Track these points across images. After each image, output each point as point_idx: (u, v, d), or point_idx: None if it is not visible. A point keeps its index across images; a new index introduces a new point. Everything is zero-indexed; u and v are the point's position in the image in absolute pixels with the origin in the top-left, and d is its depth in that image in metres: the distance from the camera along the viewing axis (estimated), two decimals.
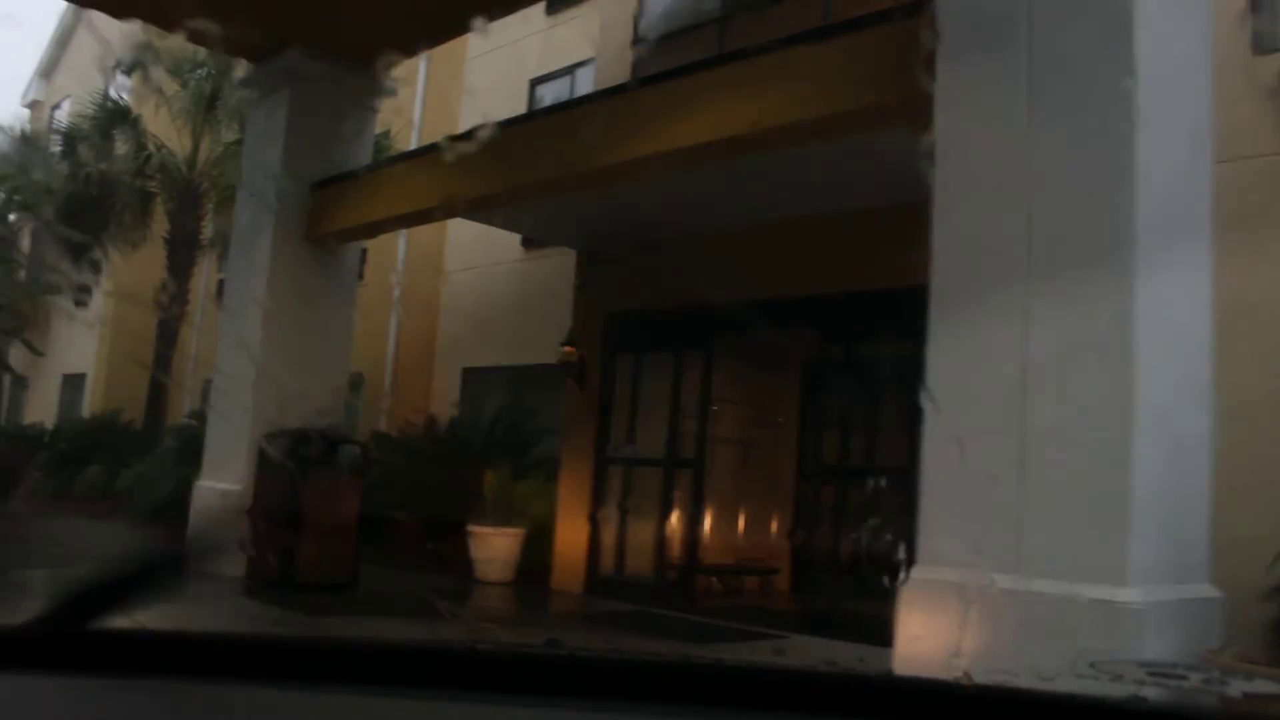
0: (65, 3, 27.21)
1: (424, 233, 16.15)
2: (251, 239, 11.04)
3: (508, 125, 9.02)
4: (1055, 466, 4.83)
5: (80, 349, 23.71)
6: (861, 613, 8.66)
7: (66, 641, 1.18)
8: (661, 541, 10.38)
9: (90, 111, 18.83)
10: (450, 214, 10.40)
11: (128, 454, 17.74)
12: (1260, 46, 7.49)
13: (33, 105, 28.32)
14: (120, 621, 1.21)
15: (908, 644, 5.09)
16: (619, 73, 10.79)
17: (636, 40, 11.27)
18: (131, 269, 20.97)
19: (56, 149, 19.59)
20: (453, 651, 1.29)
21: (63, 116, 20.20)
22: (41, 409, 24.51)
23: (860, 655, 6.79)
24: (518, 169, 8.50)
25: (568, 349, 11.16)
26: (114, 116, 18.37)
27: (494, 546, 11.38)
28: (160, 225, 18.98)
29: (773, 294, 9.54)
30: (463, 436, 13.24)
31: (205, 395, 16.38)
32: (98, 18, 24.81)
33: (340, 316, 11.19)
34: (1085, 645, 3.97)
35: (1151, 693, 3.08)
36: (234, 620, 8.35)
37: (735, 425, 11.25)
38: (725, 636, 8.50)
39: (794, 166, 8.10)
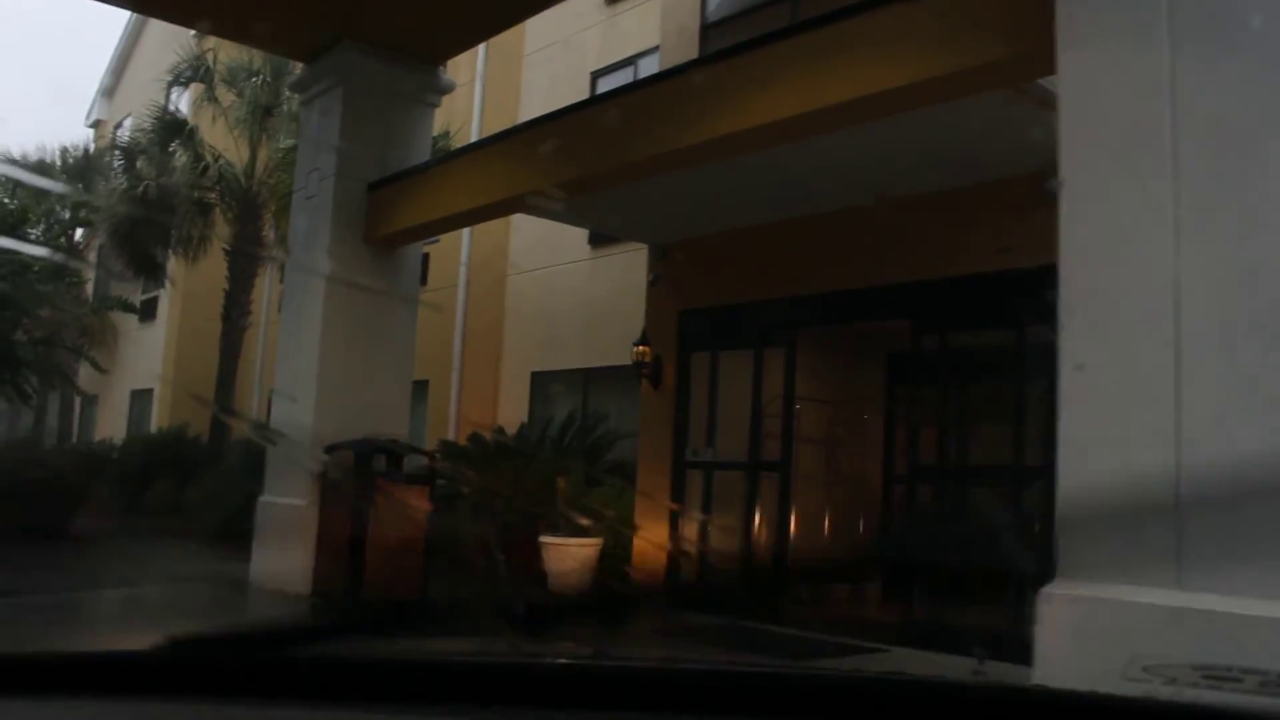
0: (126, 20, 27.31)
1: (487, 234, 15.74)
2: (308, 243, 10.61)
3: (577, 110, 8.48)
4: None
5: (147, 365, 23.62)
6: (967, 624, 8.03)
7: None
8: (746, 549, 9.78)
9: (148, 126, 18.63)
10: (515, 209, 9.89)
11: (195, 469, 17.55)
12: None
13: (96, 125, 28.43)
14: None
15: (1051, 665, 4.45)
16: (685, 59, 10.22)
17: (705, 23, 10.70)
18: (195, 282, 20.81)
19: (118, 164, 19.41)
20: (498, 667, 1.29)
21: (125, 134, 20.06)
22: (111, 426, 24.49)
23: (975, 670, 6.20)
24: (588, 156, 7.96)
25: (641, 348, 10.61)
26: (171, 129, 18.13)
27: (569, 558, 10.85)
28: (222, 237, 18.73)
29: (859, 283, 8.94)
30: (533, 443, 12.72)
31: (269, 408, 16.05)
32: (156, 34, 24.94)
33: (402, 321, 10.72)
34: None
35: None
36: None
37: (821, 424, 10.61)
38: (822, 651, 7.89)
39: (884, 144, 7.49)
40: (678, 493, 10.35)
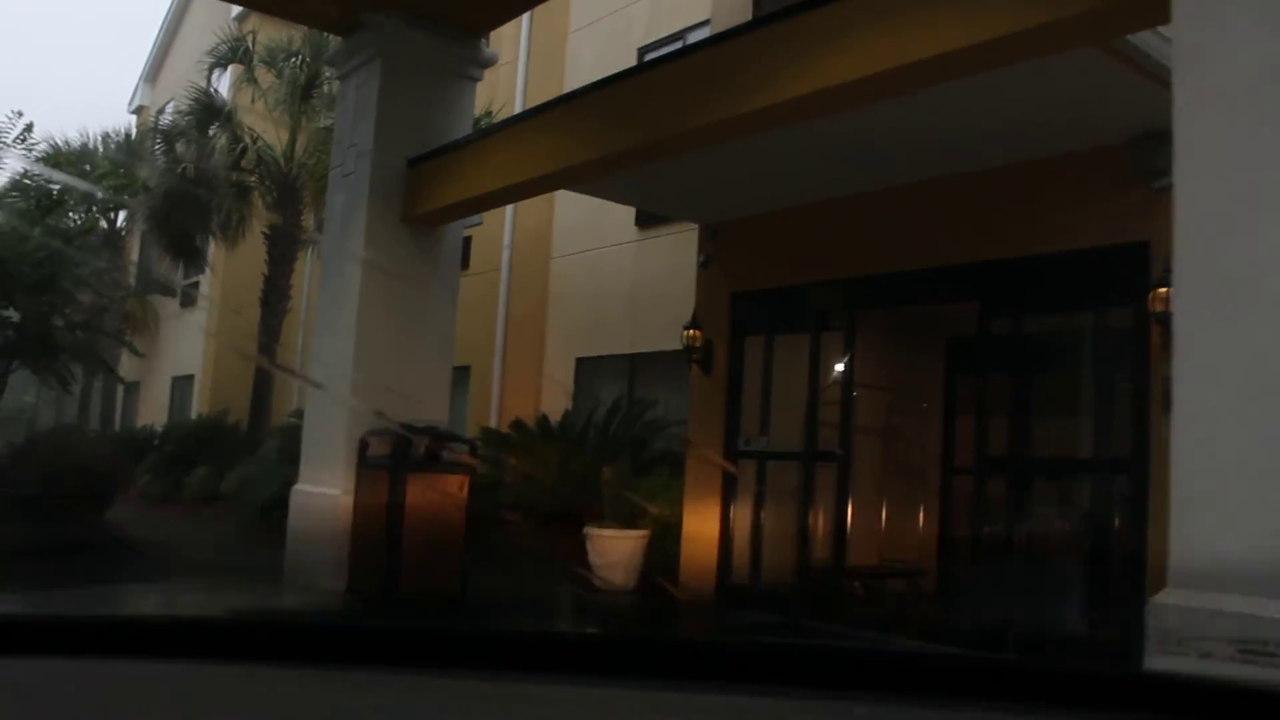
0: (169, 5, 27.13)
1: (531, 217, 15.33)
2: (345, 222, 10.19)
3: (627, 77, 7.97)
4: None
5: (188, 350, 23.48)
6: (1038, 627, 7.52)
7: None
8: (801, 543, 9.28)
9: (186, 109, 18.36)
10: (560, 185, 9.41)
11: (234, 455, 17.31)
12: None
13: (139, 111, 28.30)
14: None
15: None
16: None
17: None
18: (235, 267, 20.59)
19: (157, 148, 19.17)
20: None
21: (167, 119, 19.82)
22: (153, 411, 24.39)
23: None
24: (639, 127, 7.45)
25: (691, 332, 10.13)
26: (209, 112, 17.83)
27: (614, 550, 10.41)
28: (262, 221, 18.46)
29: (923, 262, 8.40)
30: (577, 431, 12.30)
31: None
32: (198, 18, 24.72)
33: (442, 303, 10.28)
34: None
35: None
36: None
37: (880, 413, 10.09)
38: None
39: (958, 111, 6.96)
40: (729, 483, 9.87)
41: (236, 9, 19.11)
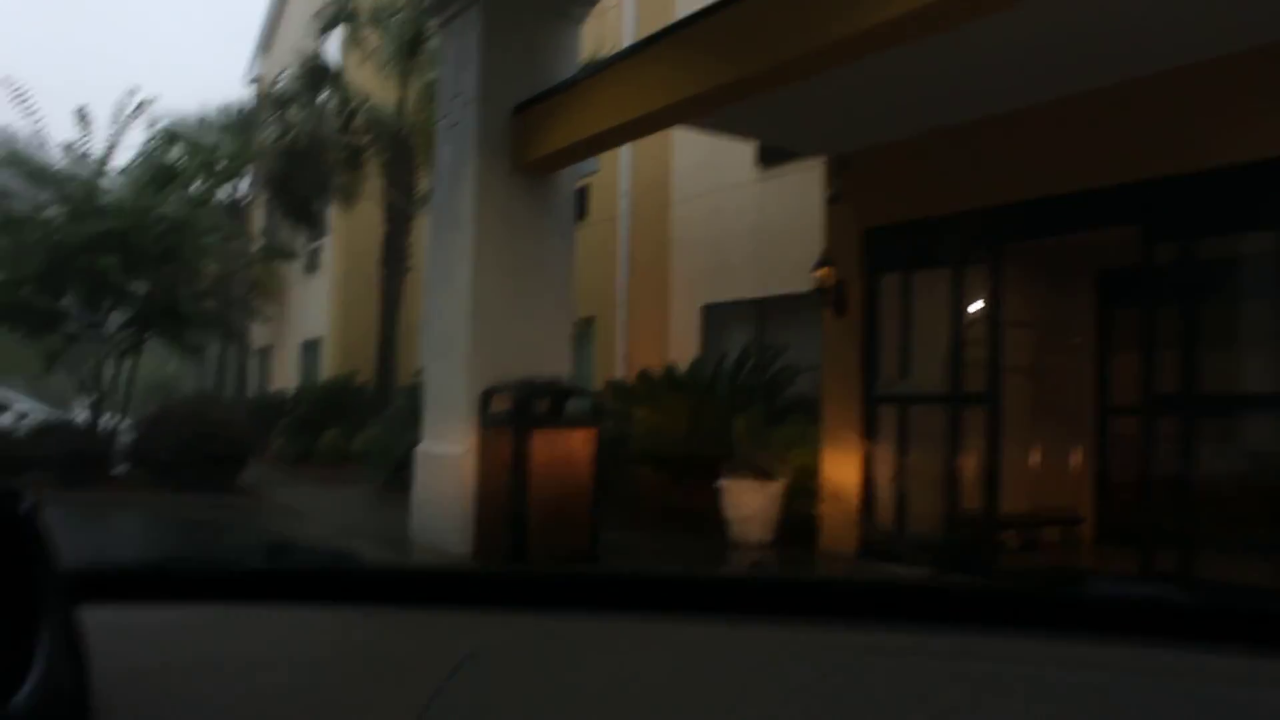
0: None
1: (648, 161, 14.87)
2: (455, 175, 9.83)
3: None
4: None
5: (315, 315, 23.67)
6: (1217, 578, 6.85)
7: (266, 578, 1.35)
8: (948, 491, 8.69)
9: (295, 74, 18.27)
10: (675, 120, 8.83)
11: (362, 416, 17.34)
12: None
13: (256, 81, 28.50)
14: None
15: None
16: None
17: None
18: (354, 230, 20.62)
19: (271, 116, 19.15)
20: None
21: (282, 86, 19.81)
22: (285, 376, 24.72)
23: None
24: (761, 49, 6.86)
25: (822, 272, 9.55)
26: (317, 75, 17.69)
27: (749, 503, 9.97)
28: (375, 181, 18.34)
29: (1075, 186, 7.69)
30: (706, 380, 11.84)
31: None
32: None
33: (559, 253, 9.87)
34: None
35: None
36: None
37: (1029, 351, 9.39)
38: None
39: (1121, 7, 6.25)
40: (869, 430, 9.31)
41: None
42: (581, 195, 14.52)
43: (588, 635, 1.16)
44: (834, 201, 9.60)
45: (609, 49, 14.50)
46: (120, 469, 14.89)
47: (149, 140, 15.64)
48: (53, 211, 14.92)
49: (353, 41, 17.71)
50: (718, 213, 13.87)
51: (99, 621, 0.96)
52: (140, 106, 15.55)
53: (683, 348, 13.75)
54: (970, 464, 8.64)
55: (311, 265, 24.16)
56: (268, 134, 18.46)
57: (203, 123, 21.71)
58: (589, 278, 13.68)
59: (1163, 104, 7.18)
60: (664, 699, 1.00)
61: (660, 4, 14.94)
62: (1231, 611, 1.18)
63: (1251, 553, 6.73)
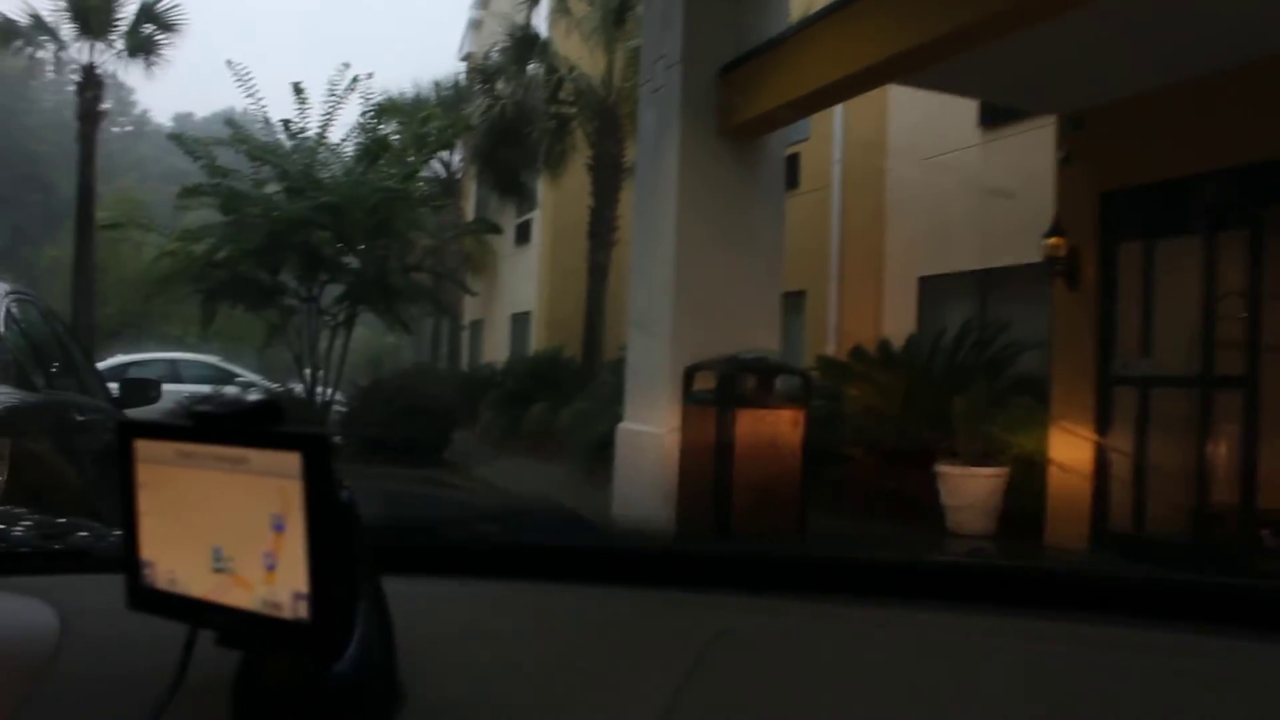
0: None
1: (861, 126, 14.20)
2: (657, 142, 9.44)
3: None
4: None
5: (524, 288, 23.81)
6: None
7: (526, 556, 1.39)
8: (1197, 484, 7.84)
9: (503, 45, 18.26)
10: (893, 73, 8.15)
11: (569, 391, 17.24)
12: None
13: (467, 58, 28.87)
14: None
15: None
16: None
17: None
18: (562, 201, 20.55)
19: (480, 88, 19.24)
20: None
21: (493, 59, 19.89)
22: (495, 349, 24.99)
23: None
24: None
25: (1053, 241, 8.77)
26: (524, 46, 17.60)
27: (969, 490, 9.31)
28: (582, 151, 18.18)
29: None
30: (924, 357, 11.17)
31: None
32: None
33: (768, 222, 9.37)
34: None
35: None
36: None
37: None
38: None
39: None
40: (1104, 414, 8.51)
41: None
42: (792, 164, 13.90)
43: (830, 620, 1.16)
44: (1066, 163, 8.78)
45: (820, 2, 13.92)
46: (337, 439, 15.19)
47: (363, 114, 15.85)
48: (272, 188, 15.33)
49: (560, 10, 17.56)
50: (936, 179, 13.09)
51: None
52: (354, 81, 15.81)
53: (898, 322, 13.06)
54: (1222, 454, 7.77)
55: (521, 238, 24.30)
56: (476, 106, 18.52)
57: (417, 99, 22.09)
58: (799, 250, 13.11)
59: None
60: (906, 685, 1.01)
61: None
62: None
63: None
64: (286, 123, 15.61)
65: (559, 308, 21.12)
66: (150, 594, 0.93)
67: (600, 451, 12.21)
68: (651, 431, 9.06)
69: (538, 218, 23.12)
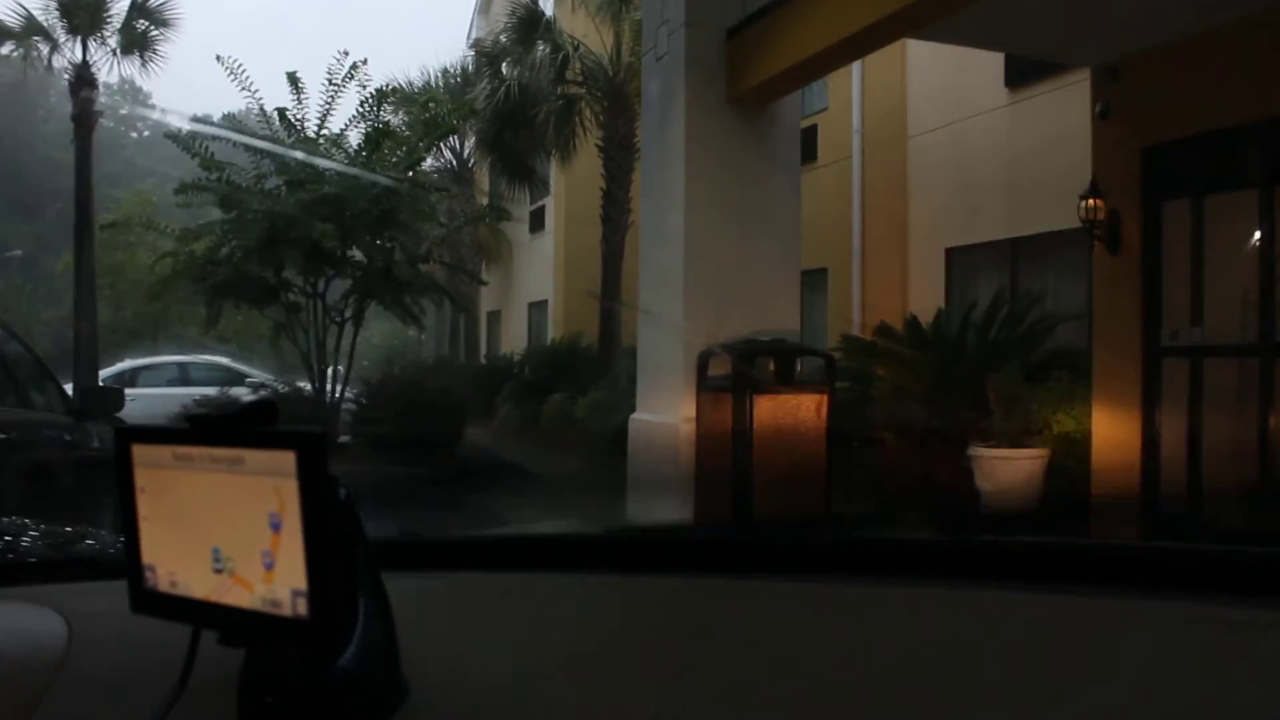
0: None
1: (881, 93, 13.59)
2: (663, 112, 8.89)
3: None
4: None
5: (540, 276, 23.31)
6: None
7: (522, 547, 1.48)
8: (1258, 462, 7.20)
9: (506, 25, 17.67)
10: (910, 24, 7.43)
11: (587, 380, 16.67)
12: None
13: (475, 44, 28.31)
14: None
15: None
16: None
17: None
18: (574, 186, 20.02)
19: (486, 71, 18.65)
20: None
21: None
22: (514, 339, 24.53)
23: None
24: None
25: (1091, 202, 8.12)
26: (529, 26, 16.99)
27: (1007, 474, 8.68)
28: (594, 133, 17.58)
29: None
30: (954, 333, 10.54)
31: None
32: None
33: (783, 195, 8.80)
34: None
35: None
36: None
37: None
38: None
39: None
40: (1151, 388, 7.87)
41: None
42: (809, 136, 13.35)
43: (834, 601, 1.16)
44: (1103, 118, 8.14)
45: None
46: (344, 439, 14.72)
47: (362, 103, 15.31)
48: (273, 182, 14.83)
49: None
50: (961, 145, 12.46)
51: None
52: (352, 69, 15.26)
53: (924, 298, 12.41)
54: None
55: (536, 225, 23.78)
56: (481, 89, 17.95)
57: (427, 87, 21.55)
58: (820, 225, 12.54)
59: None
60: (904, 662, 1.01)
61: None
62: None
63: None
64: (281, 112, 15.06)
65: (576, 295, 20.55)
66: (153, 597, 0.95)
67: (618, 443, 11.69)
68: (665, 422, 8.55)
69: (551, 204, 22.58)
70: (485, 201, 23.48)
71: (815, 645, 1.05)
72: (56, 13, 16.41)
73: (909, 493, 9.41)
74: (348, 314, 15.38)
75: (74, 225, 16.40)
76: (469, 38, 28.94)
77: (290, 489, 0.83)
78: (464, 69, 22.69)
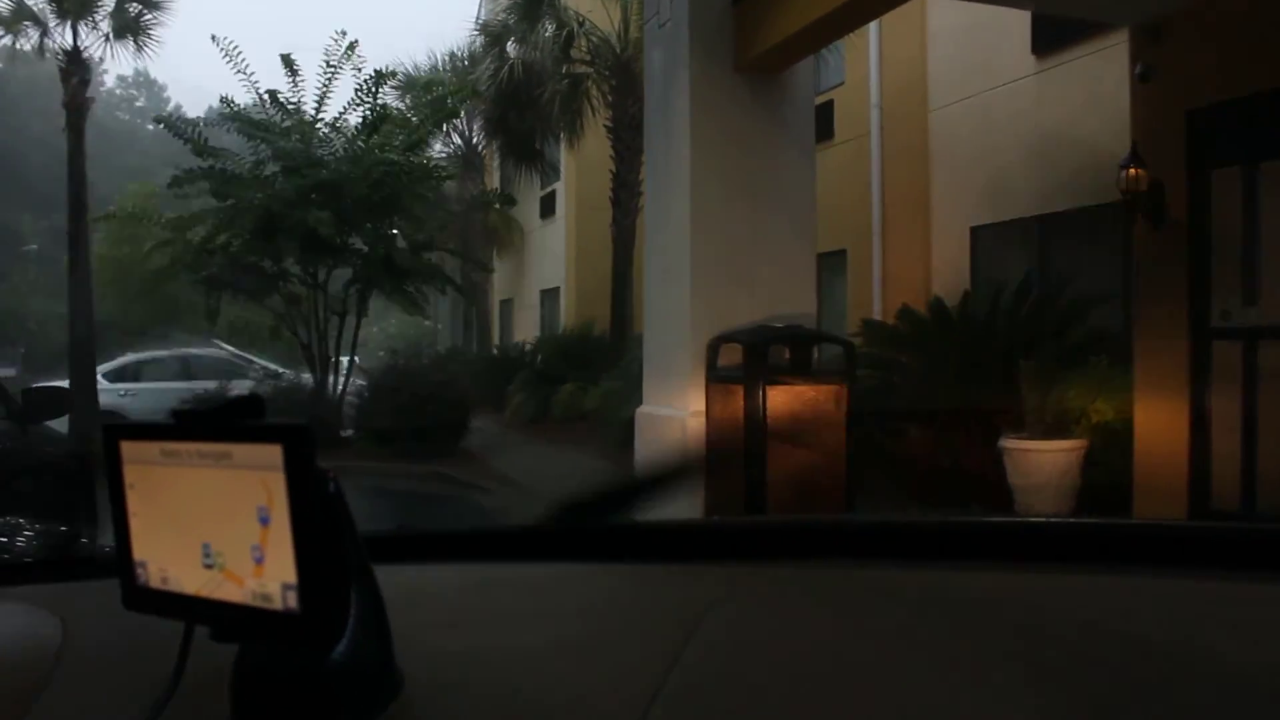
0: None
1: (900, 64, 13.00)
2: (666, 84, 8.28)
3: None
4: None
5: (551, 263, 22.81)
6: None
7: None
8: None
9: (509, 2, 17.09)
10: None
11: (599, 369, 16.12)
12: None
13: (483, 27, 27.77)
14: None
15: None
16: None
17: None
18: (584, 169, 19.54)
19: (491, 53, 18.08)
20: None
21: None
22: (526, 327, 24.08)
23: None
24: None
25: (1131, 172, 7.46)
26: (533, 2, 16.37)
27: (1041, 467, 8.10)
28: (602, 114, 16.98)
29: None
30: (981, 317, 9.93)
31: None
32: None
33: (797, 170, 8.19)
34: None
35: None
36: None
37: None
38: None
39: None
40: (1199, 373, 7.22)
41: None
42: (825, 112, 12.75)
43: (817, 583, 1.17)
44: (1144, 80, 7.47)
45: None
46: (348, 433, 14.25)
47: (360, 86, 14.76)
48: (270, 168, 14.34)
49: None
50: (986, 117, 11.83)
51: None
52: (350, 49, 14.72)
53: (949, 279, 11.80)
54: None
55: (547, 211, 23.24)
56: (484, 69, 17.37)
57: (433, 71, 21.05)
58: (837, 205, 11.96)
59: None
60: (896, 643, 1.01)
61: None
62: None
63: None
64: (273, 95, 14.53)
65: (588, 281, 20.04)
66: (144, 593, 0.95)
67: (628, 434, 11.19)
68: (672, 415, 8.00)
69: (561, 189, 22.04)
70: (496, 187, 22.99)
71: (808, 626, 1.06)
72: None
73: (935, 489, 8.83)
74: (349, 304, 14.89)
75: (68, 217, 15.88)
76: (477, 19, 28.42)
77: (278, 482, 0.83)
78: (471, 53, 22.20)
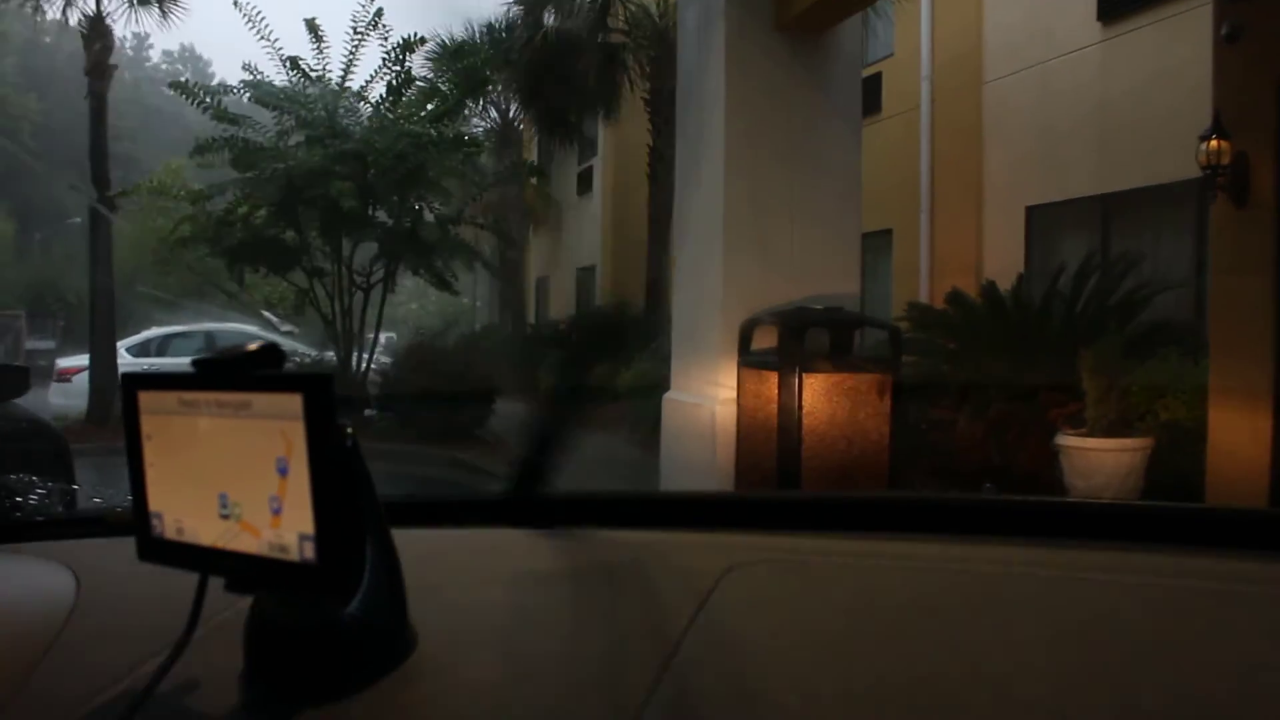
0: None
1: (953, 33, 12.42)
2: (700, 44, 7.68)
3: None
4: None
5: (588, 240, 22.32)
6: None
7: (528, 505, 1.40)
8: None
9: None
10: None
11: (633, 349, 15.59)
12: None
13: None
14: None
15: None
16: None
17: None
18: (622, 144, 19.09)
19: (527, 21, 17.53)
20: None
21: None
22: (562, 305, 23.71)
23: None
24: None
25: (1213, 143, 6.78)
26: None
27: (1101, 467, 7.49)
28: (640, 86, 16.42)
29: None
30: (1037, 302, 9.30)
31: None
32: None
33: (841, 139, 7.57)
34: None
35: None
36: None
37: None
38: None
39: None
40: None
41: None
42: (873, 85, 12.12)
43: (854, 551, 1.17)
44: (1230, 41, 6.77)
45: None
46: (370, 413, 13.80)
47: (387, 53, 14.24)
48: (294, 138, 13.89)
49: None
50: (1045, 90, 11.18)
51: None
52: (378, 15, 14.20)
53: (1002, 261, 11.20)
54: None
55: (584, 187, 22.74)
56: (517, 38, 16.82)
57: (469, 41, 20.60)
58: (885, 183, 11.37)
59: None
60: (904, 609, 1.02)
61: None
62: None
63: None
64: (295, 61, 14.05)
65: (624, 259, 19.57)
66: (160, 545, 0.95)
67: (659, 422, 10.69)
68: (700, 403, 7.45)
69: (599, 164, 21.53)
70: (534, 162, 22.51)
71: (819, 593, 1.07)
72: None
73: (985, 488, 8.25)
74: (374, 278, 14.42)
75: (90, 186, 15.51)
76: None
77: (297, 432, 0.82)
78: (509, 24, 21.72)
